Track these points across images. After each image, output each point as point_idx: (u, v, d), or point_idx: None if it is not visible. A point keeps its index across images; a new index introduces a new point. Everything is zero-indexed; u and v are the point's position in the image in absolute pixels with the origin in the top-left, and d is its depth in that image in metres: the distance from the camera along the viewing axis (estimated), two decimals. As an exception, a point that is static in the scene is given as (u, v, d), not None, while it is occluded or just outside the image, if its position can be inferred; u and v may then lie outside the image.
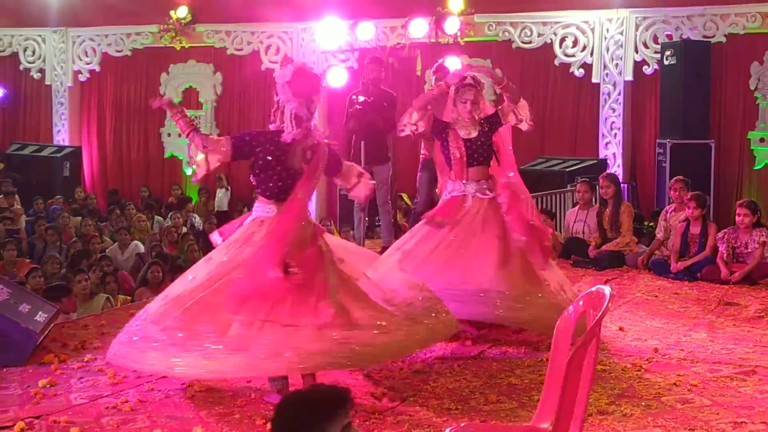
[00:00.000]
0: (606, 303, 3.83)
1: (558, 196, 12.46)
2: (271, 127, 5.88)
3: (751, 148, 13.41)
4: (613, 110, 14.14)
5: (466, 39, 13.85)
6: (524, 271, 6.99)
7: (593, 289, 4.08)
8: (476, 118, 7.20)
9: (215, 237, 6.19)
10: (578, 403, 3.78)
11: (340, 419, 2.89)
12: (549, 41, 14.45)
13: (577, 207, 10.93)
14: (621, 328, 7.58)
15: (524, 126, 7.18)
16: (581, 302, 4.07)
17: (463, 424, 4.04)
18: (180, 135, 17.17)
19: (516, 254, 7.00)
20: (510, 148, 7.43)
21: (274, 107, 5.94)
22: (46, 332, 6.86)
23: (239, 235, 5.85)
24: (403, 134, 7.40)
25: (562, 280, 7.36)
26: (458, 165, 7.22)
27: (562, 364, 3.97)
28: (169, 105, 6.09)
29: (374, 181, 9.76)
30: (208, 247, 12.38)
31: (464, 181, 7.20)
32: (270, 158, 5.73)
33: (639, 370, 6.41)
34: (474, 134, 7.19)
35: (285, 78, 5.79)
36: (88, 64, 17.78)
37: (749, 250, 9.39)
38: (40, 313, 6.87)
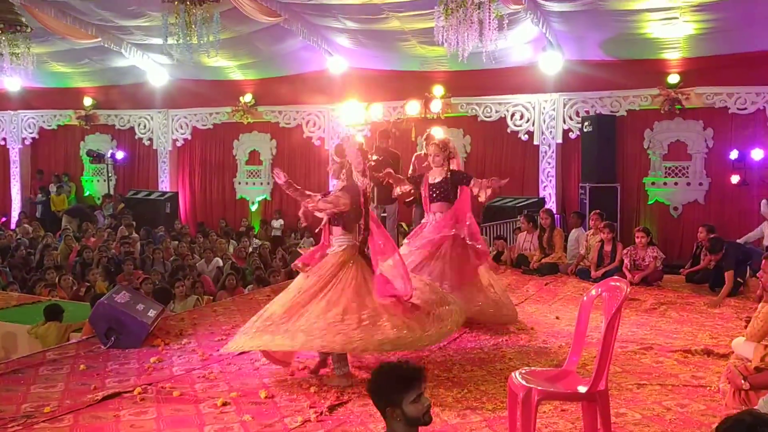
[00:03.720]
0: (625, 292, 4.10)
1: (511, 224, 12.45)
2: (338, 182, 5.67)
3: (645, 189, 13.38)
4: (549, 163, 14.14)
5: (445, 114, 13.88)
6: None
7: (611, 281, 4.33)
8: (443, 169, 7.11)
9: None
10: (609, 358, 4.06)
11: (417, 389, 2.93)
12: (503, 116, 14.48)
13: (525, 232, 10.92)
14: (557, 317, 7.57)
15: (482, 197, 6.99)
16: (599, 288, 4.31)
17: (524, 370, 4.25)
18: (247, 183, 17.26)
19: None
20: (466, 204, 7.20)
21: (336, 167, 5.69)
22: (155, 323, 6.87)
23: (334, 258, 5.52)
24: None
25: (491, 279, 7.26)
26: (425, 201, 7.27)
27: (584, 328, 4.38)
28: (286, 185, 5.64)
29: (384, 215, 9.80)
30: (266, 262, 12.45)
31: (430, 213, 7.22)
32: (357, 205, 5.56)
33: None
34: (438, 179, 7.14)
35: (357, 145, 5.76)
36: (182, 134, 17.85)
37: (646, 262, 9.37)
38: (151, 310, 6.87)
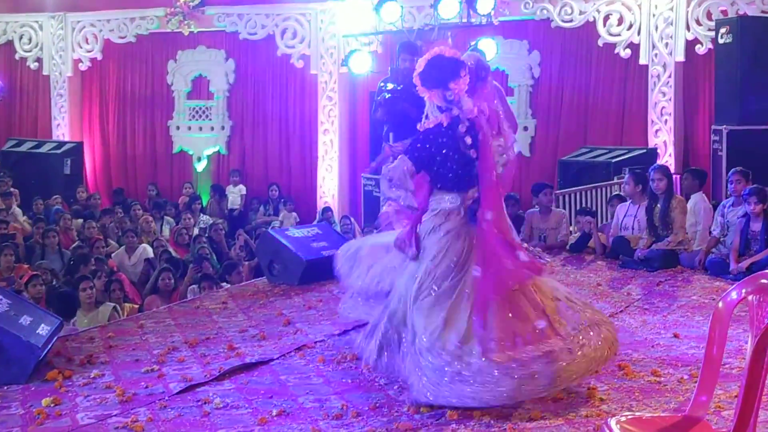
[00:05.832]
0: None
1: (604, 189, 12.40)
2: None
3: (818, 133, 13.33)
4: (664, 94, 14.08)
5: (500, 18, 13.83)
6: None
7: (761, 278, 4.21)
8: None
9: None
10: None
11: None
12: (591, 19, 14.41)
13: (628, 202, 10.89)
14: (676, 335, 7.54)
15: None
16: (743, 289, 4.21)
17: (625, 417, 4.36)
18: (189, 128, 17.30)
19: None
20: None
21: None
22: (49, 346, 6.88)
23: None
24: None
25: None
26: None
27: (719, 352, 4.31)
28: None
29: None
30: (220, 251, 12.48)
31: None
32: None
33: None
34: None
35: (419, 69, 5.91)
36: (89, 52, 17.88)
37: (818, 249, 9.35)
38: (42, 325, 6.87)
